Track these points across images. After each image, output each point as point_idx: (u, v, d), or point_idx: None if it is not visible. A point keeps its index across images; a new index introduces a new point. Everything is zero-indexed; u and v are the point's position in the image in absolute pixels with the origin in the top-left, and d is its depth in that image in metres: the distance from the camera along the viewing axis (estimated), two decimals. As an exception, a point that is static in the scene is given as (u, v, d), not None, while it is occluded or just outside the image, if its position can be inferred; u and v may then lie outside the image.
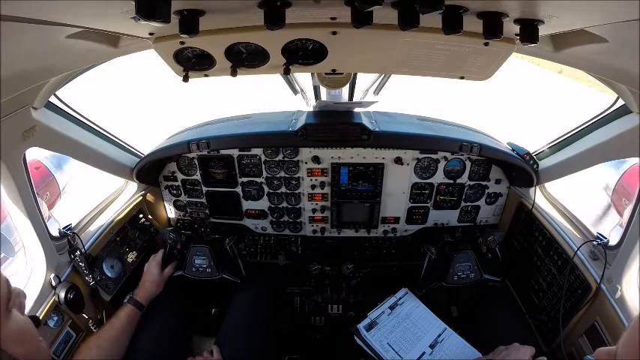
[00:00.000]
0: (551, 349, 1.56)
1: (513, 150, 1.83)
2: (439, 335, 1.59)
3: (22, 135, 1.20)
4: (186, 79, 1.01)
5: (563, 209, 1.76)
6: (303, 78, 1.92)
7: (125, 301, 1.58)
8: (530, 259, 1.82)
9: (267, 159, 1.91)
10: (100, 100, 8.32)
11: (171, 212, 2.15)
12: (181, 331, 1.65)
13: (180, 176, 2.02)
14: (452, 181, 1.95)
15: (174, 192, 2.07)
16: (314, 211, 2.03)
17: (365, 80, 1.91)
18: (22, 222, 1.29)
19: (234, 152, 1.90)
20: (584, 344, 1.41)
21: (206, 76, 1.03)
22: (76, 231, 1.55)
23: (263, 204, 2.05)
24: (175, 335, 1.60)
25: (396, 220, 2.05)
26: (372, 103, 1.78)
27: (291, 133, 1.76)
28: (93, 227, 1.70)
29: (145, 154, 1.91)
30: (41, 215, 1.36)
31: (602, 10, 0.64)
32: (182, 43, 0.89)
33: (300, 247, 2.20)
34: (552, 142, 1.76)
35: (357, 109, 1.87)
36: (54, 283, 1.38)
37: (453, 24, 0.69)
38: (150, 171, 1.95)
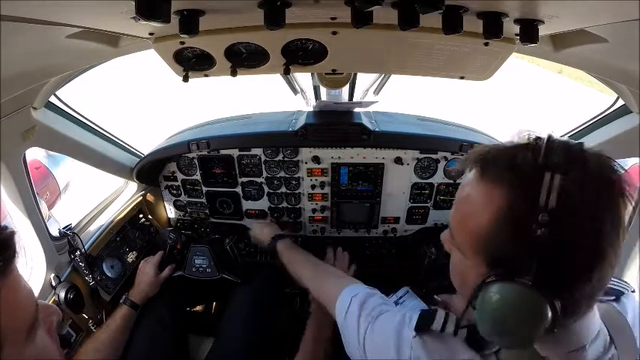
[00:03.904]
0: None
1: (513, 150, 1.83)
2: (439, 335, 1.59)
3: (22, 135, 1.20)
4: (186, 79, 1.01)
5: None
6: (303, 78, 1.92)
7: (121, 301, 1.58)
8: (531, 258, 1.81)
9: (267, 159, 1.91)
10: (100, 100, 8.31)
11: (171, 212, 2.15)
12: (177, 330, 1.65)
13: (180, 176, 2.01)
14: (452, 181, 1.95)
15: (174, 192, 2.07)
16: (314, 211, 2.03)
17: (365, 80, 1.91)
18: (22, 222, 1.29)
19: (234, 152, 1.90)
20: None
21: (206, 76, 1.03)
22: (76, 231, 1.55)
23: (263, 204, 2.05)
24: (170, 335, 1.61)
25: (396, 220, 2.05)
26: (372, 103, 1.78)
27: (291, 133, 1.76)
28: (93, 227, 1.70)
29: (145, 154, 1.91)
30: (41, 215, 1.36)
31: (602, 10, 0.64)
32: (182, 43, 0.89)
33: (300, 247, 2.19)
34: (552, 142, 1.76)
35: (357, 109, 1.86)
36: (54, 283, 1.38)
37: (453, 24, 0.69)
38: (150, 171, 1.95)
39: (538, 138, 0.62)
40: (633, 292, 0.82)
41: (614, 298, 0.78)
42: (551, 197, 0.56)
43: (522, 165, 0.60)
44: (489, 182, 0.63)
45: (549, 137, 0.61)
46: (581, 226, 0.57)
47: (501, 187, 0.61)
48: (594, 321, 0.67)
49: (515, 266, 0.58)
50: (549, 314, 0.56)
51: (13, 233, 0.54)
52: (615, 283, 0.82)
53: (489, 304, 0.59)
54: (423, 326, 0.80)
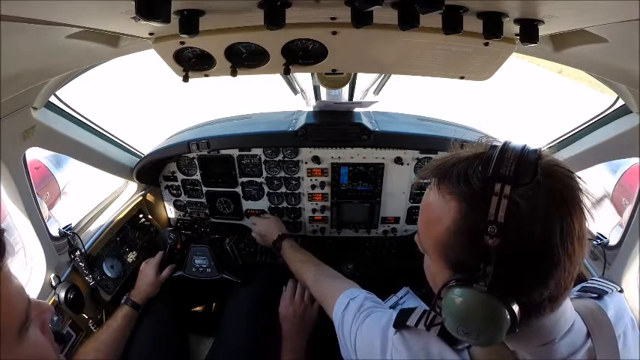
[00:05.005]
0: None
1: (513, 150, 1.82)
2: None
3: (22, 135, 1.20)
4: (186, 79, 1.01)
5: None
6: (303, 78, 1.92)
7: (122, 301, 1.58)
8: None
9: (267, 159, 1.91)
10: (100, 100, 8.32)
11: (171, 212, 2.15)
12: (177, 330, 1.66)
13: (180, 176, 2.01)
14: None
15: (174, 192, 2.07)
16: (314, 211, 2.03)
17: (365, 80, 1.91)
18: (22, 222, 1.29)
19: (234, 152, 1.90)
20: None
21: (206, 76, 1.03)
22: (76, 231, 1.55)
23: (263, 204, 2.05)
24: (171, 335, 1.61)
25: (396, 220, 2.05)
26: (372, 103, 1.78)
27: (291, 133, 1.76)
28: (93, 227, 1.70)
29: (145, 154, 1.91)
30: (41, 215, 1.36)
31: (602, 10, 0.64)
32: (182, 43, 0.89)
33: (300, 247, 2.19)
34: (552, 142, 1.76)
35: (357, 109, 1.87)
36: (54, 283, 1.38)
37: (452, 24, 0.69)
38: (150, 171, 1.95)
39: (493, 147, 0.63)
40: (621, 291, 0.84)
41: (596, 295, 0.80)
42: (500, 209, 0.57)
43: (473, 177, 0.62)
44: (445, 194, 0.65)
45: (503, 146, 0.62)
46: (531, 237, 0.58)
47: (455, 200, 0.63)
48: (565, 317, 0.69)
49: (473, 272, 0.61)
50: (507, 317, 0.59)
51: (2, 231, 0.54)
52: (602, 284, 0.84)
53: (450, 307, 0.63)
54: (401, 322, 0.83)
